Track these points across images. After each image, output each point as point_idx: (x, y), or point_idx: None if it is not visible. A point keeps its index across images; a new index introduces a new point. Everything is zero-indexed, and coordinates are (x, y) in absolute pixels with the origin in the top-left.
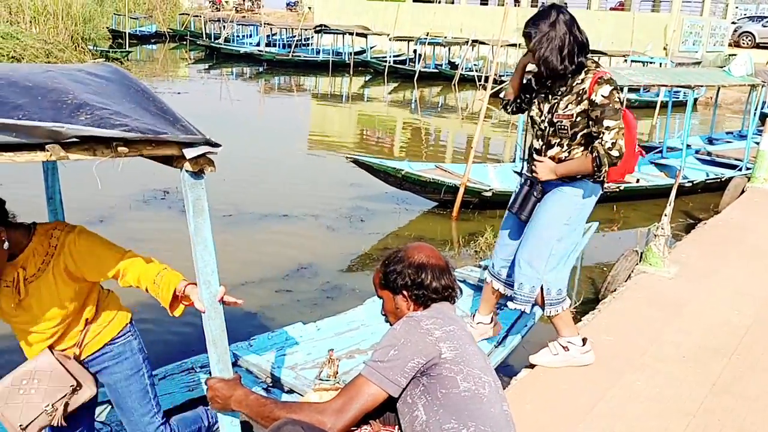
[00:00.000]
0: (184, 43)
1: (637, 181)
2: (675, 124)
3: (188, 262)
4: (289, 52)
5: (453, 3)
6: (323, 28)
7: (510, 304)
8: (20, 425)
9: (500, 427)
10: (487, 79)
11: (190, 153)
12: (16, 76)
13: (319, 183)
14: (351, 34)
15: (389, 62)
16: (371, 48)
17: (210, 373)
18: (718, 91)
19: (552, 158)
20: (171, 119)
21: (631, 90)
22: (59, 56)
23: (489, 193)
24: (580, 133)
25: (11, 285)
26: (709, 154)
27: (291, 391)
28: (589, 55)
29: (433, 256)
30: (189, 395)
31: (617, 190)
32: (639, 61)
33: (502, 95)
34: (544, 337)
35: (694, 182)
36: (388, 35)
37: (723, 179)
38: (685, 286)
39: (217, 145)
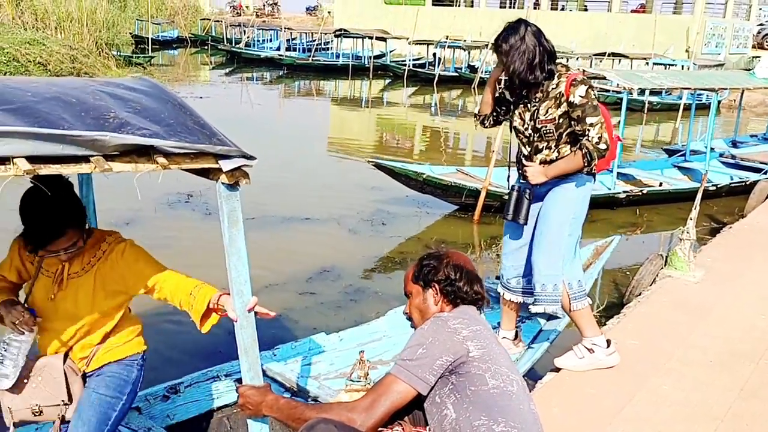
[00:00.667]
0: (206, 47)
1: (660, 184)
2: (698, 127)
3: (213, 266)
4: (309, 56)
5: (472, 6)
6: (343, 32)
7: (533, 308)
8: (8, 407)
9: (529, 425)
10: None
11: (226, 165)
12: (60, 91)
13: (340, 186)
14: (371, 38)
15: (409, 66)
16: (391, 52)
17: (236, 381)
18: (742, 93)
19: (543, 161)
20: (208, 133)
21: (653, 93)
22: (84, 62)
23: None
24: (565, 133)
25: (53, 276)
26: (733, 157)
27: (315, 400)
28: (558, 60)
29: (469, 263)
30: (215, 403)
31: (640, 193)
32: (661, 64)
33: (476, 111)
34: (569, 341)
35: (719, 186)
36: (408, 39)
37: (748, 183)
38: (711, 290)
39: (252, 158)
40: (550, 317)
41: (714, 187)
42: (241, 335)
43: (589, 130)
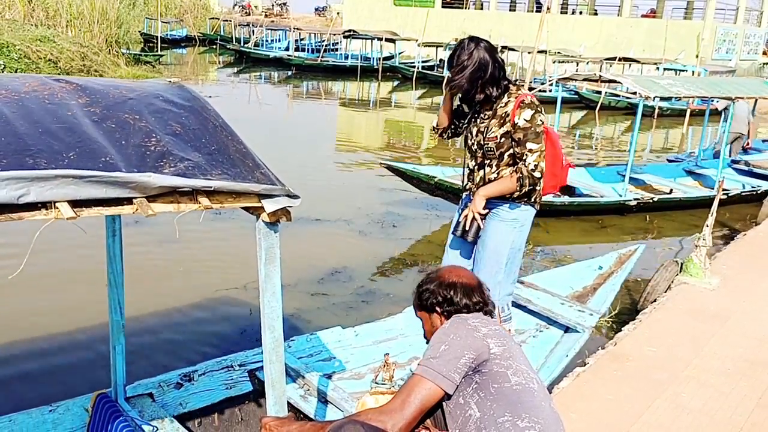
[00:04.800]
0: (214, 47)
1: (671, 191)
2: (708, 133)
3: (220, 263)
4: (318, 56)
5: (482, 9)
6: (352, 33)
7: None
8: None
9: (551, 421)
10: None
11: (270, 206)
12: (100, 114)
13: (349, 188)
14: (380, 39)
15: (417, 68)
16: (399, 53)
17: (249, 372)
18: (756, 101)
19: (482, 178)
20: (251, 164)
21: (662, 98)
22: (93, 59)
23: None
24: (506, 153)
25: None
26: (747, 164)
27: (326, 402)
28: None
29: (464, 275)
30: (227, 393)
31: (651, 201)
32: (672, 69)
33: (434, 123)
34: (588, 352)
35: (730, 194)
36: (417, 41)
37: (759, 191)
38: (727, 297)
39: (296, 197)
40: (567, 329)
41: (725, 195)
42: (270, 369)
43: (527, 155)
